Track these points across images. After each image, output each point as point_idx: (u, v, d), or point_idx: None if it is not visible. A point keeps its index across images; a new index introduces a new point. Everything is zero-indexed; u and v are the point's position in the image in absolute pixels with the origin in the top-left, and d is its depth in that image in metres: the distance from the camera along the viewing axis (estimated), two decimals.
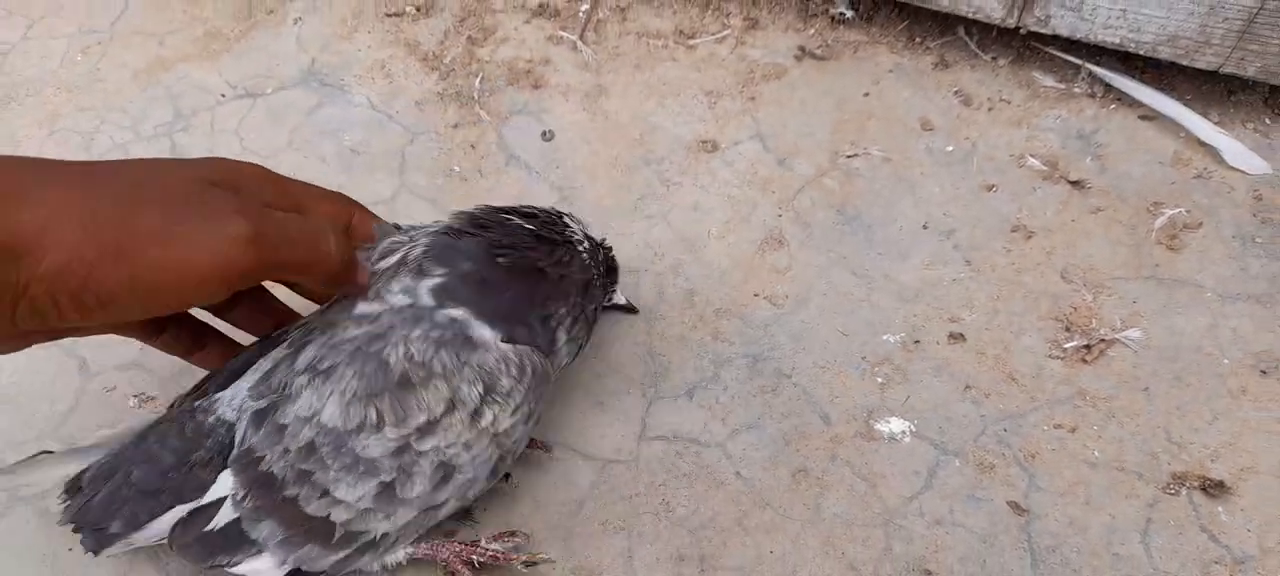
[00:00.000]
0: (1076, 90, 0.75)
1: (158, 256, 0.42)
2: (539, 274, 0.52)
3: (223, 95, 0.82)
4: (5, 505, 0.60)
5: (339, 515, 0.49)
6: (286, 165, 0.76)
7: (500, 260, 0.51)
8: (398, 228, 0.55)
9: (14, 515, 0.60)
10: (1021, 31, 0.73)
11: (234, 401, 0.51)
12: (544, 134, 0.77)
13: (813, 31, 0.81)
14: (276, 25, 0.86)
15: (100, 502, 0.51)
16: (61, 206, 0.40)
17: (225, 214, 0.44)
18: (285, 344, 0.52)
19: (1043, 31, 0.72)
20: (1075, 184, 0.70)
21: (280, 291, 0.54)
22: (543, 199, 0.72)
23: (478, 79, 0.81)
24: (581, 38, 0.82)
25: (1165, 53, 0.70)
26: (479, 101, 0.79)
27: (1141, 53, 0.70)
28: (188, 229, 0.43)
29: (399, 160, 0.76)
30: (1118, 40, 0.70)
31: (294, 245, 0.47)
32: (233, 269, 0.44)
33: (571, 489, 0.59)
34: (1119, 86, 0.74)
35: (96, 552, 0.51)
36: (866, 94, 0.77)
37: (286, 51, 0.84)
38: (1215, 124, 0.71)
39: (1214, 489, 0.56)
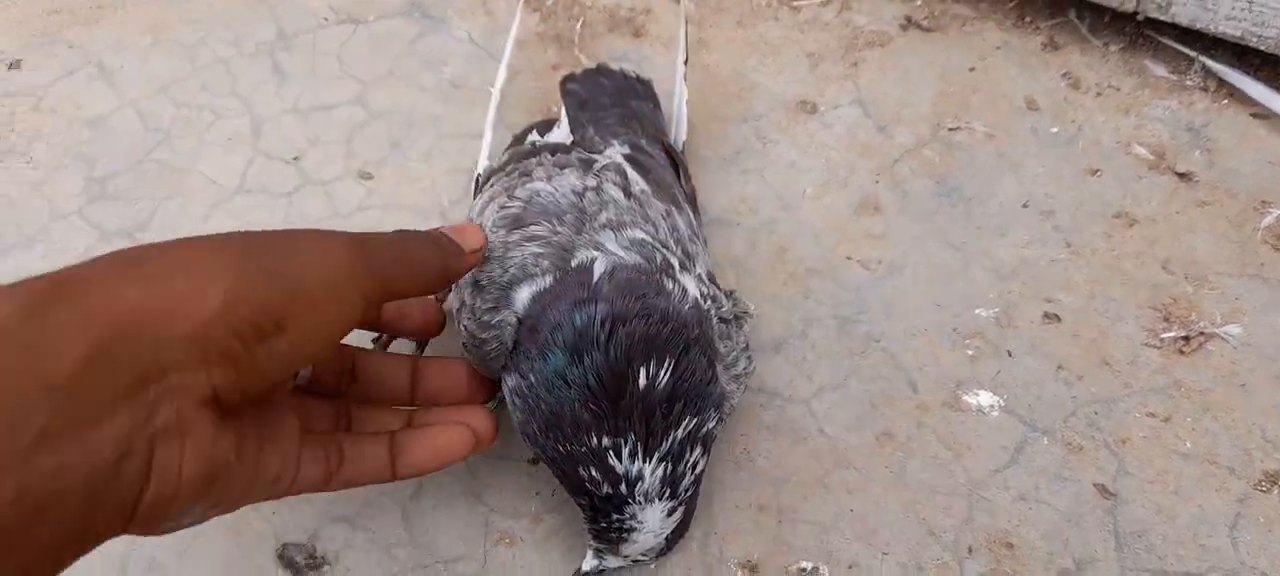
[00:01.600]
0: (1188, 82, 0.73)
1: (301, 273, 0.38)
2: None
3: (326, 19, 0.83)
4: None
5: None
6: (386, 93, 0.77)
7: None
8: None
9: None
10: (1139, 17, 0.72)
11: None
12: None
13: (920, 2, 0.80)
14: None
15: None
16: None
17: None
18: None
19: (1162, 18, 0.71)
20: (1182, 176, 0.69)
21: None
22: None
23: (579, 23, 0.81)
24: None
25: None
26: (578, 45, 0.80)
27: (1263, 48, 0.69)
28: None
29: (498, 96, 0.76)
30: (1239, 34, 0.69)
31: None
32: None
33: None
34: (1232, 81, 0.72)
35: None
36: (972, 69, 0.76)
37: None
38: None
39: None
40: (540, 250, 0.49)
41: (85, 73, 0.79)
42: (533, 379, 0.47)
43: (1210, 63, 0.73)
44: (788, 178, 0.71)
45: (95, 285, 0.33)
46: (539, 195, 0.52)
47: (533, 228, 0.50)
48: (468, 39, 0.80)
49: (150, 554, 0.55)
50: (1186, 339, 0.61)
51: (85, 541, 0.33)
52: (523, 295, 0.49)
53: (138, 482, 0.33)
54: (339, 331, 0.41)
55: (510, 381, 0.49)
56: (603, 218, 0.51)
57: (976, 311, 0.64)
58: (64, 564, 0.33)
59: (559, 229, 0.50)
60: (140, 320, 0.33)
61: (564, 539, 0.56)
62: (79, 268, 0.34)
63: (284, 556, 0.56)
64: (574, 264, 0.49)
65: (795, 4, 0.81)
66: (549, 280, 0.49)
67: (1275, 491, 0.56)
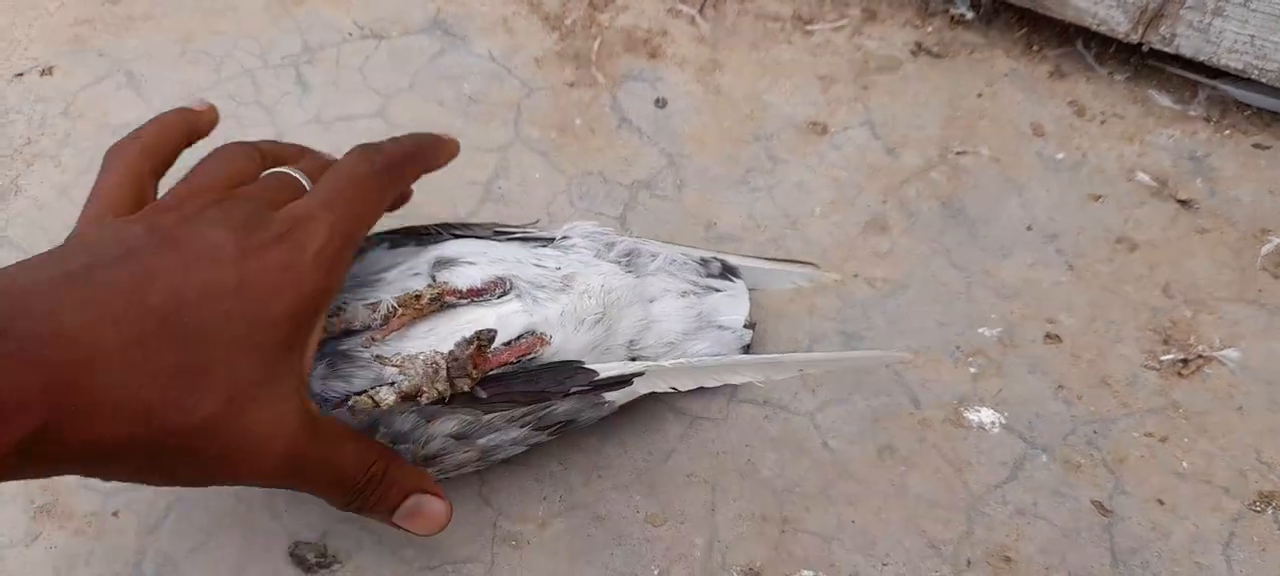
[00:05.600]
0: (1192, 112, 0.75)
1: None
2: None
3: (350, 34, 0.85)
4: None
5: None
6: (405, 107, 0.79)
7: None
8: None
9: None
10: (1144, 48, 0.73)
11: None
12: (657, 101, 0.78)
13: (930, 29, 0.82)
14: None
15: None
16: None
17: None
18: None
19: (1166, 49, 0.72)
20: (1184, 203, 0.70)
21: None
22: (652, 163, 0.74)
23: (596, 42, 0.83)
24: (700, 13, 0.84)
25: None
26: (596, 64, 0.81)
27: (1264, 81, 0.70)
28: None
29: (515, 112, 0.78)
30: (1241, 66, 0.70)
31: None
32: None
33: (660, 439, 0.61)
34: (1239, 97, 0.73)
35: None
36: (980, 95, 0.77)
37: None
38: None
39: None
40: None
41: (114, 80, 0.81)
42: None
43: (1224, 86, 0.74)
44: (796, 197, 0.72)
45: None
46: None
47: None
48: (487, 56, 0.82)
49: (165, 550, 0.57)
50: (1185, 362, 0.63)
51: None
52: None
53: None
54: None
55: None
56: None
57: (979, 330, 0.65)
58: None
59: None
60: None
61: (571, 542, 0.57)
62: None
63: (295, 554, 0.57)
64: None
65: (808, 28, 0.82)
66: None
67: (1269, 511, 0.57)
